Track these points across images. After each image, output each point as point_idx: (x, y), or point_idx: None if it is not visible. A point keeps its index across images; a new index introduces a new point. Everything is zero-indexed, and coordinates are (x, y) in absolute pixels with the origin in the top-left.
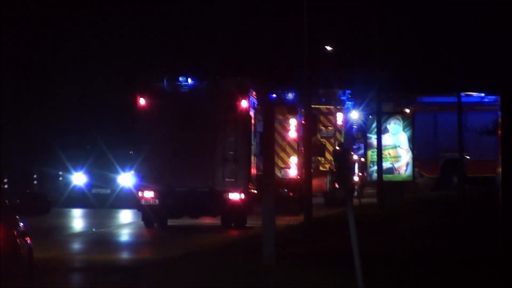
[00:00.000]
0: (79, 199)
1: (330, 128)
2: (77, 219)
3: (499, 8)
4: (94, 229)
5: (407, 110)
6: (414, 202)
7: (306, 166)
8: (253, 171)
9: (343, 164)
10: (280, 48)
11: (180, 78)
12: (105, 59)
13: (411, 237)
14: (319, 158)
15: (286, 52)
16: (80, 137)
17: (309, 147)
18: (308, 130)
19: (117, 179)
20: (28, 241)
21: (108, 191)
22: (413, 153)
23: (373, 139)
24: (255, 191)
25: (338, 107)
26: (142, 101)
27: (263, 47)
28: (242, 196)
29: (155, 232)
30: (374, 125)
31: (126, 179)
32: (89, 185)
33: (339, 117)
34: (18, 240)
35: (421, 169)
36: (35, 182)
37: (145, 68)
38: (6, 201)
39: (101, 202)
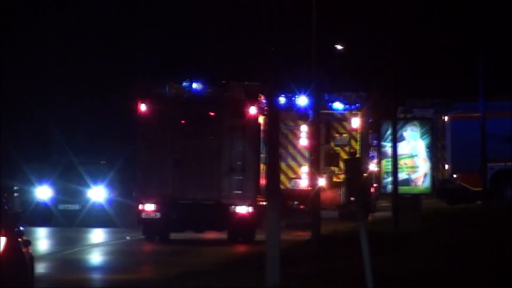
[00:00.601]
0: (43, 216)
1: (344, 135)
2: (41, 240)
3: None
4: (128, 237)
5: (446, 118)
6: (432, 217)
7: (313, 177)
8: (263, 181)
9: (355, 174)
10: (287, 48)
11: (184, 83)
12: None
13: (428, 256)
14: (333, 168)
15: (293, 54)
16: (45, 146)
17: (318, 156)
18: (316, 137)
19: (87, 194)
20: (30, 251)
21: (77, 207)
22: (431, 162)
23: (388, 147)
24: (265, 203)
25: (353, 112)
26: (143, 107)
27: (268, 47)
28: (250, 209)
29: (151, 247)
30: (389, 132)
31: (97, 193)
32: (55, 200)
33: (355, 123)
34: (23, 249)
35: (464, 182)
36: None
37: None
38: (10, 211)
39: (69, 220)
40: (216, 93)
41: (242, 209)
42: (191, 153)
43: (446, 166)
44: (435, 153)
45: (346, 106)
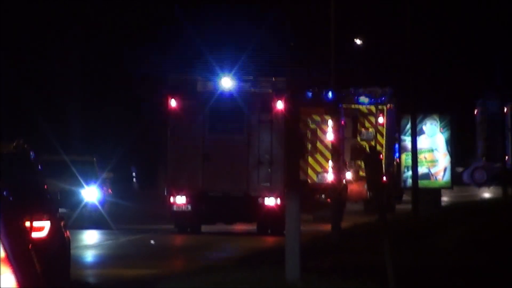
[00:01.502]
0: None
1: (370, 130)
2: None
3: None
4: (152, 241)
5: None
6: (452, 211)
7: (335, 170)
8: (298, 175)
9: (374, 169)
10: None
11: (213, 79)
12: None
13: (448, 251)
14: (359, 162)
15: (314, 48)
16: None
17: (338, 150)
18: (336, 131)
19: (79, 195)
20: (68, 235)
21: (64, 210)
22: (451, 156)
23: (408, 141)
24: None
25: (379, 107)
26: (173, 103)
27: (289, 41)
28: (278, 201)
29: (172, 241)
30: (408, 126)
31: (90, 194)
32: None
33: (380, 118)
34: (64, 233)
35: None
36: None
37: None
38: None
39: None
40: (244, 88)
41: (271, 201)
42: (220, 147)
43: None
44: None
45: (372, 100)
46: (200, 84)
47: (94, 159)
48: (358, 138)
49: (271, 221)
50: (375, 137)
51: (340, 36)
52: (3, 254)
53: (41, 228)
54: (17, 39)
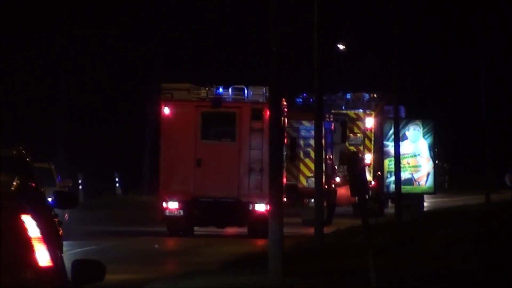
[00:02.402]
0: None
1: (359, 135)
2: None
3: None
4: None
5: None
6: (435, 216)
7: (317, 174)
8: (282, 180)
9: (356, 170)
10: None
11: (205, 87)
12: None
13: (432, 255)
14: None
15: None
16: None
17: (321, 155)
18: (318, 137)
19: None
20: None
21: None
22: (434, 162)
23: (390, 146)
24: (285, 200)
25: (367, 112)
26: (166, 110)
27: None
28: (269, 207)
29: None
30: (391, 131)
31: None
32: None
33: (369, 123)
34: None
35: None
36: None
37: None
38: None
39: None
40: (235, 96)
41: (261, 207)
42: (212, 154)
43: None
44: None
45: (361, 106)
46: (193, 92)
47: (52, 166)
48: (347, 143)
49: (262, 226)
50: (363, 142)
51: (324, 42)
52: (39, 234)
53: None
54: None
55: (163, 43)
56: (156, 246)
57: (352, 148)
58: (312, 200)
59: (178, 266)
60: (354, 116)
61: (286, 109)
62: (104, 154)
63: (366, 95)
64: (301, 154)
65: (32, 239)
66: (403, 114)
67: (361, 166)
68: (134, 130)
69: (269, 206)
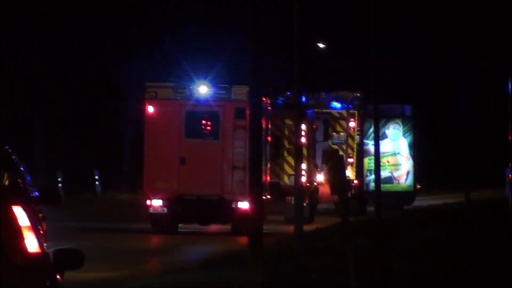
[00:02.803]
0: None
1: (342, 134)
2: None
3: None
4: None
5: None
6: (415, 214)
7: (296, 172)
8: (265, 178)
9: (338, 172)
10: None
11: (189, 86)
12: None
13: (411, 254)
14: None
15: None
16: None
17: (300, 153)
18: (299, 135)
19: None
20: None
21: None
22: (414, 160)
23: (370, 145)
24: (268, 198)
25: (350, 111)
26: (150, 109)
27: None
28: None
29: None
30: (371, 130)
31: None
32: None
33: (352, 122)
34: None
35: None
36: None
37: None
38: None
39: None
40: (219, 95)
41: (244, 204)
42: (195, 152)
43: None
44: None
45: (344, 105)
46: (177, 91)
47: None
48: (330, 142)
49: (245, 223)
50: (347, 141)
51: (304, 41)
52: (28, 223)
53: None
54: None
55: (141, 41)
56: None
57: (335, 146)
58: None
59: (158, 264)
60: (337, 115)
61: (270, 108)
62: (84, 152)
63: (350, 94)
64: (285, 152)
65: (22, 228)
66: (408, 113)
67: (341, 165)
68: (113, 128)
69: (249, 203)
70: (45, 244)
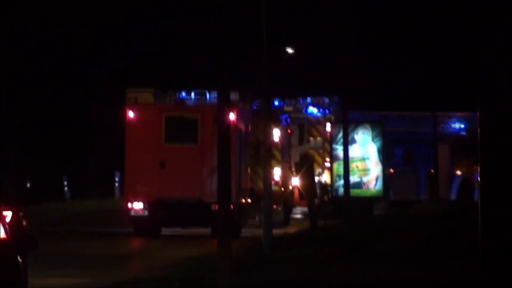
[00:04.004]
0: None
1: (318, 138)
2: None
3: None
4: None
5: None
6: (384, 220)
7: (265, 177)
8: (245, 182)
9: (308, 176)
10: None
11: (168, 91)
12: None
13: (382, 262)
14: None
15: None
16: None
17: (267, 158)
18: (268, 139)
19: None
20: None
21: None
22: (383, 165)
23: (339, 150)
24: (248, 202)
25: (327, 115)
26: (130, 114)
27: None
28: (231, 207)
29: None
30: (340, 135)
31: None
32: None
33: (328, 127)
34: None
35: None
36: None
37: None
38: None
39: None
40: (197, 100)
41: None
42: (175, 156)
43: None
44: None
45: (320, 110)
46: (157, 96)
47: None
48: (306, 146)
49: None
50: (323, 145)
51: (273, 46)
52: None
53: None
54: None
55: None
56: None
57: (313, 152)
58: None
59: (126, 271)
60: (313, 120)
61: (250, 113)
62: (52, 158)
63: (326, 99)
64: (258, 157)
65: None
66: (377, 118)
67: (310, 169)
68: (80, 133)
69: (218, 208)
70: (23, 233)
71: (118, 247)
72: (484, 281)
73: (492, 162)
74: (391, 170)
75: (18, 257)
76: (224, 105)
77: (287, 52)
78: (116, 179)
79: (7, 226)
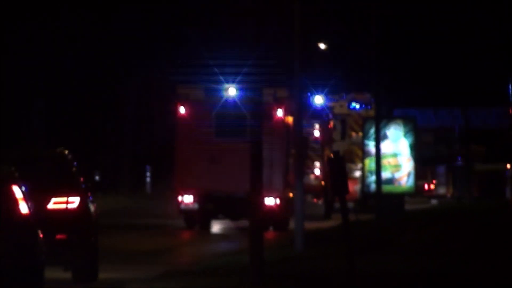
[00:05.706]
0: None
1: (360, 134)
2: None
3: None
4: None
5: None
6: (416, 215)
7: (297, 172)
8: (291, 176)
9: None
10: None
11: (218, 88)
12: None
13: (412, 256)
14: (349, 164)
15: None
16: None
17: (288, 153)
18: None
19: None
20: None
21: None
22: (415, 161)
23: (371, 146)
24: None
25: (369, 112)
26: (182, 110)
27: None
28: (278, 201)
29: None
30: (372, 130)
31: None
32: None
33: None
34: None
35: None
36: None
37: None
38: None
39: None
40: (246, 97)
41: (270, 201)
42: (225, 151)
43: None
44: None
45: (363, 106)
46: (207, 93)
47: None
48: (350, 142)
49: (271, 219)
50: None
51: (306, 42)
52: (22, 196)
53: (73, 201)
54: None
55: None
56: None
57: (354, 147)
58: (310, 195)
59: (165, 265)
60: (355, 115)
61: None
62: (85, 154)
63: (368, 96)
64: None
65: (18, 199)
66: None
67: (341, 166)
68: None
69: (251, 211)
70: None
71: (157, 241)
72: None
73: None
74: None
75: (38, 234)
76: (273, 102)
77: (319, 47)
78: (148, 173)
79: (29, 204)
